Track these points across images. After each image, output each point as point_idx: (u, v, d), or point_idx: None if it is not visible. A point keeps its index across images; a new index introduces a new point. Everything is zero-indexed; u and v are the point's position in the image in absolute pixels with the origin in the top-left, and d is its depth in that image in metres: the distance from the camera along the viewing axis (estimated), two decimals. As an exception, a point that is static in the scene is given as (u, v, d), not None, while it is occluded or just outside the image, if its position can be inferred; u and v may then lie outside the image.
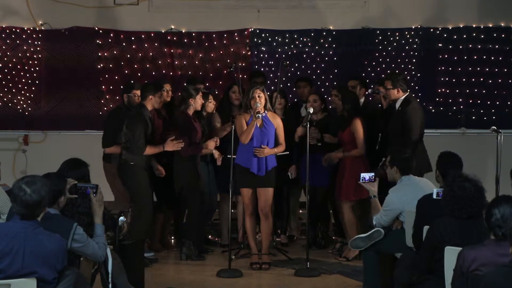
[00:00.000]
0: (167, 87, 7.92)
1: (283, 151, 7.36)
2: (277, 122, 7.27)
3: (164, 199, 7.79)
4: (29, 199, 4.07)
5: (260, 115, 7.04)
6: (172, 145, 7.31)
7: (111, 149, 7.60)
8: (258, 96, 7.08)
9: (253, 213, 7.26)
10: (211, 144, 7.58)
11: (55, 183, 4.59)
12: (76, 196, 4.91)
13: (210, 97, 7.88)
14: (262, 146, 7.13)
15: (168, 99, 7.94)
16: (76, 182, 4.94)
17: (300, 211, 8.57)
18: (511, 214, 3.91)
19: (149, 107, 7.33)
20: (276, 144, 7.24)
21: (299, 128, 7.63)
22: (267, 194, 7.18)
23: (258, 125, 7.14)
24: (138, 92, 7.52)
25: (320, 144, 7.63)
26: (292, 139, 7.61)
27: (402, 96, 7.23)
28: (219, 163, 7.71)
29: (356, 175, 7.32)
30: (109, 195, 7.68)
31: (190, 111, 7.49)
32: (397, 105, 7.25)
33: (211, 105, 7.87)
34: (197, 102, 7.50)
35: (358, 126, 7.36)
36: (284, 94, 8.15)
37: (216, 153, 7.66)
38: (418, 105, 7.42)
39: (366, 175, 6.16)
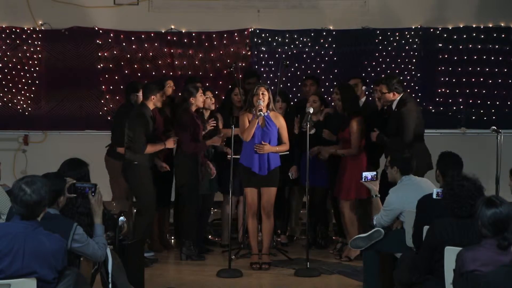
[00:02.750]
0: (170, 83, 7.95)
1: (286, 151, 7.36)
2: (280, 122, 7.26)
3: (161, 197, 7.78)
4: (29, 199, 4.06)
5: (262, 114, 7.03)
6: (172, 142, 7.34)
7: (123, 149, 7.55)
8: (262, 94, 7.09)
9: (256, 213, 7.26)
10: (217, 140, 7.62)
11: (54, 183, 4.59)
12: (74, 195, 4.91)
13: (208, 93, 7.85)
14: (263, 143, 7.12)
15: (171, 93, 7.97)
16: (74, 181, 4.94)
17: (301, 211, 8.57)
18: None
19: (151, 107, 7.38)
20: (280, 143, 7.24)
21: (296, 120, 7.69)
22: (269, 193, 7.19)
23: (260, 124, 7.14)
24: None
25: (312, 132, 7.59)
26: (293, 140, 7.61)
27: (397, 97, 7.23)
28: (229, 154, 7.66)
29: (356, 174, 7.35)
30: (109, 193, 7.69)
31: (193, 109, 7.51)
32: (394, 106, 7.26)
33: (208, 101, 7.82)
34: (198, 99, 7.53)
35: (355, 126, 7.36)
36: (285, 97, 8.14)
37: (227, 150, 7.66)
38: (414, 105, 7.37)
39: (368, 174, 6.17)
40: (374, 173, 6.22)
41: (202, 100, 7.58)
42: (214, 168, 7.66)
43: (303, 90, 8.63)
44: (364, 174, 6.18)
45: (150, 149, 7.24)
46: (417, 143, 7.10)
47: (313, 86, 8.42)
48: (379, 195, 6.10)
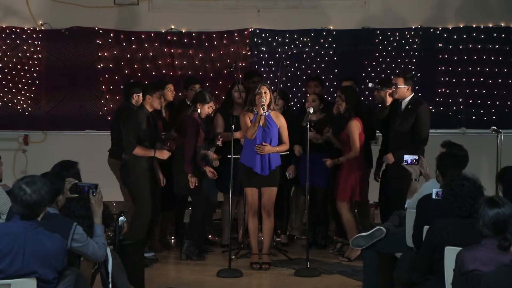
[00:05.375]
0: (170, 87, 7.92)
1: (286, 150, 7.35)
2: (281, 122, 7.26)
3: (163, 200, 7.77)
4: (29, 199, 4.07)
5: (265, 112, 7.00)
6: (162, 154, 7.27)
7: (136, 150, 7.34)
8: (264, 93, 7.09)
9: (257, 213, 7.26)
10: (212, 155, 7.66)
11: (53, 181, 4.58)
12: (77, 195, 4.91)
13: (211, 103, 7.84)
14: (264, 144, 7.12)
15: (171, 99, 7.95)
16: (76, 181, 4.94)
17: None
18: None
19: (149, 108, 7.33)
20: (280, 143, 7.23)
21: (296, 146, 7.66)
22: (270, 193, 7.19)
23: (261, 124, 7.14)
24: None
25: (320, 141, 7.61)
26: (291, 139, 7.60)
27: (409, 95, 7.18)
28: (216, 164, 7.70)
29: (352, 175, 7.35)
30: (118, 192, 7.68)
31: (196, 116, 7.48)
32: (404, 104, 7.18)
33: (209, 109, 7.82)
34: (204, 109, 7.47)
35: (353, 128, 7.34)
36: (283, 95, 8.13)
37: (213, 156, 7.66)
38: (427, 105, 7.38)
39: (408, 158, 6.12)
40: (415, 156, 6.16)
41: (207, 112, 7.53)
42: (213, 171, 7.64)
43: (308, 91, 8.56)
44: (406, 157, 6.14)
45: (139, 151, 7.15)
46: (422, 145, 7.06)
47: (317, 88, 8.36)
48: (418, 179, 6.04)
